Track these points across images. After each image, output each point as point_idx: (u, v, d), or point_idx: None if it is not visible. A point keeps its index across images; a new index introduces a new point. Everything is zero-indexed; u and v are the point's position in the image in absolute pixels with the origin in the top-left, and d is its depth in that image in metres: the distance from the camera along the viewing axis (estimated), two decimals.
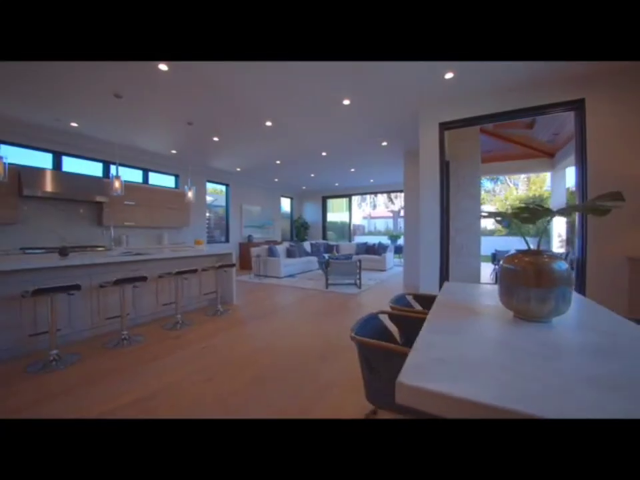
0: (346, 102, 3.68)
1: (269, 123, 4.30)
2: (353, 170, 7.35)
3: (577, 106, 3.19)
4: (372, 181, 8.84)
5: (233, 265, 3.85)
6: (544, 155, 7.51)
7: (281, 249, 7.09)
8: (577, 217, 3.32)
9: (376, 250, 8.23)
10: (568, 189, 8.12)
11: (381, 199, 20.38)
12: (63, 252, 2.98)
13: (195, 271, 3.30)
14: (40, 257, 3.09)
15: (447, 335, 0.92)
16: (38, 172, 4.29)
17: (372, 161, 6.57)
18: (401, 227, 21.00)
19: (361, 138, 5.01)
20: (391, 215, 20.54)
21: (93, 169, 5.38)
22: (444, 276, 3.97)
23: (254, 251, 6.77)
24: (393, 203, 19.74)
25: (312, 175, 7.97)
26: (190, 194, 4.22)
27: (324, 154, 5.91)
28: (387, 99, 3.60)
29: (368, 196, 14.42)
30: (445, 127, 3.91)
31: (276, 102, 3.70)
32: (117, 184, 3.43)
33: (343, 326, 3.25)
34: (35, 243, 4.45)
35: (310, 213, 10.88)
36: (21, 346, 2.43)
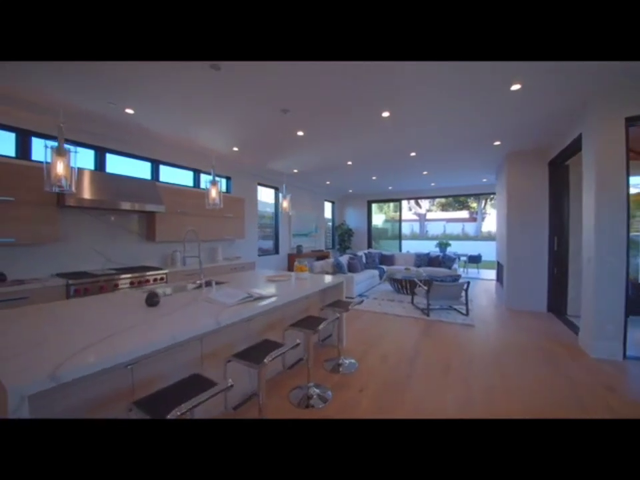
0: (515, 87, 2.72)
1: (385, 114, 3.32)
2: (425, 173, 6.38)
3: None
4: (433, 184, 7.89)
5: (361, 302, 2.86)
6: None
7: (344, 262, 6.10)
8: None
9: (441, 262, 7.28)
10: None
11: (404, 201, 19.50)
12: (152, 301, 1.96)
13: (336, 319, 2.30)
14: (112, 301, 2.06)
15: None
16: (81, 174, 3.26)
17: (459, 164, 5.58)
18: (427, 231, 20.16)
19: (476, 137, 4.05)
20: (417, 218, 19.62)
21: (138, 169, 4.34)
22: (628, 313, 3.04)
23: (317, 265, 5.78)
24: (420, 206, 18.83)
25: (373, 178, 6.98)
26: (285, 203, 3.21)
27: (412, 154, 4.93)
28: (558, 83, 2.66)
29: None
30: (632, 122, 2.97)
31: (419, 90, 2.74)
32: (213, 192, 2.41)
33: (548, 391, 2.24)
34: (76, 266, 3.41)
35: (352, 218, 9.89)
36: None
